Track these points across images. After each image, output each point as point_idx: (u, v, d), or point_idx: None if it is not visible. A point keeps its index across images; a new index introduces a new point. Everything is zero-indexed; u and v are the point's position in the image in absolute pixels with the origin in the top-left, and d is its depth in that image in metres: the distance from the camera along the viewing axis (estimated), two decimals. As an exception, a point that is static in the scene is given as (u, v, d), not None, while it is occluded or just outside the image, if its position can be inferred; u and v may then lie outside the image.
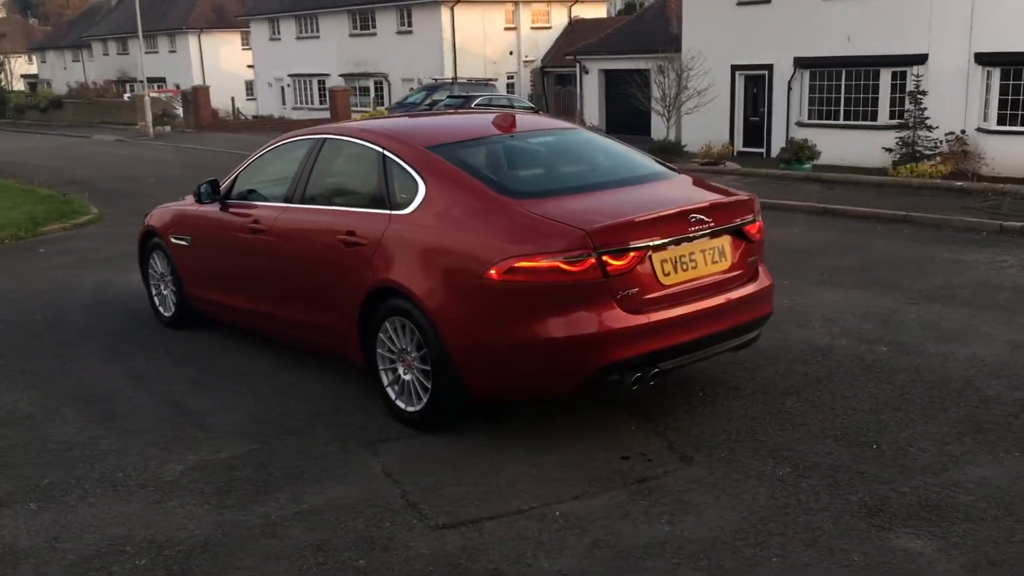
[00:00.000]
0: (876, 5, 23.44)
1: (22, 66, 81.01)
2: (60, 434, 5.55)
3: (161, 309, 7.82)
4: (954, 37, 21.93)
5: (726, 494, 4.53)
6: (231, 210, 6.75)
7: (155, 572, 4.00)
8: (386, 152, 5.62)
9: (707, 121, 27.40)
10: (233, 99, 51.39)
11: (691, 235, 5.01)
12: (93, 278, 9.82)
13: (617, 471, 4.81)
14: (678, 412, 5.52)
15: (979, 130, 21.22)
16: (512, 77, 41.39)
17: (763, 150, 26.49)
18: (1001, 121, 21.11)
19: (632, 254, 4.79)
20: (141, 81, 56.08)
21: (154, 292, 7.89)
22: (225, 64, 54.72)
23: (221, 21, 54.93)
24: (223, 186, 6.95)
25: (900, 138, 21.28)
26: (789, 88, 26.65)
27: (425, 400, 5.26)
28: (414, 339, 5.24)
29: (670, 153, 19.99)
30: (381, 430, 5.43)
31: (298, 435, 5.42)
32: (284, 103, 47.65)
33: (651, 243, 4.85)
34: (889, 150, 21.22)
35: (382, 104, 40.60)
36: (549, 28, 42.50)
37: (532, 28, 41.92)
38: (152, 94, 44.54)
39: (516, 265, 4.75)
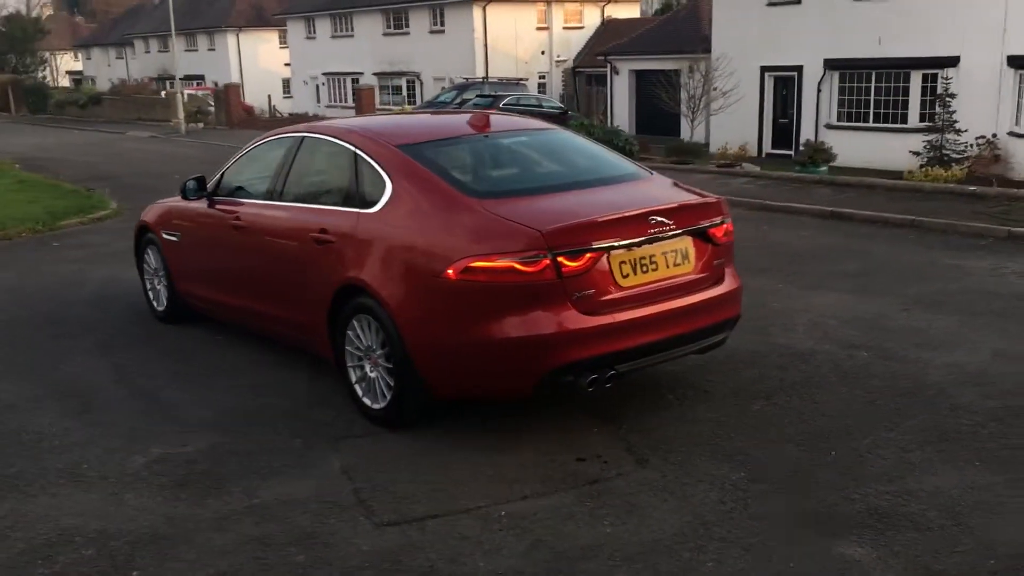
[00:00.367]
0: (907, 7, 23.13)
1: (68, 63, 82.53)
2: (36, 424, 5.67)
3: (155, 304, 7.94)
4: (986, 39, 21.59)
5: (674, 497, 4.52)
6: (217, 207, 6.83)
7: (99, 563, 4.07)
8: (357, 150, 5.67)
9: (735, 122, 27.24)
10: (270, 97, 51.91)
11: (651, 237, 4.99)
12: (100, 273, 9.98)
13: (571, 472, 4.82)
14: (644, 415, 5.51)
15: (1011, 134, 20.86)
16: (543, 77, 41.36)
17: (792, 152, 26.21)
18: (1034, 125, 20.76)
19: (588, 255, 4.78)
20: (180, 79, 57.08)
21: (148, 287, 8.02)
22: (263, 62, 55.27)
23: (260, 20, 55.50)
24: (212, 182, 7.04)
25: (928, 141, 21.00)
26: (818, 90, 26.40)
27: (389, 398, 5.30)
28: (379, 337, 5.27)
29: (690, 155, 19.88)
30: (348, 427, 5.48)
31: (265, 430, 5.48)
32: (319, 101, 48.05)
33: (608, 244, 4.85)
34: (917, 153, 20.94)
35: (413, 102, 40.82)
36: (581, 28, 42.42)
37: (564, 28, 41.86)
38: (188, 91, 45.18)
39: (472, 265, 4.77)
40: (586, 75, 40.43)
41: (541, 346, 4.74)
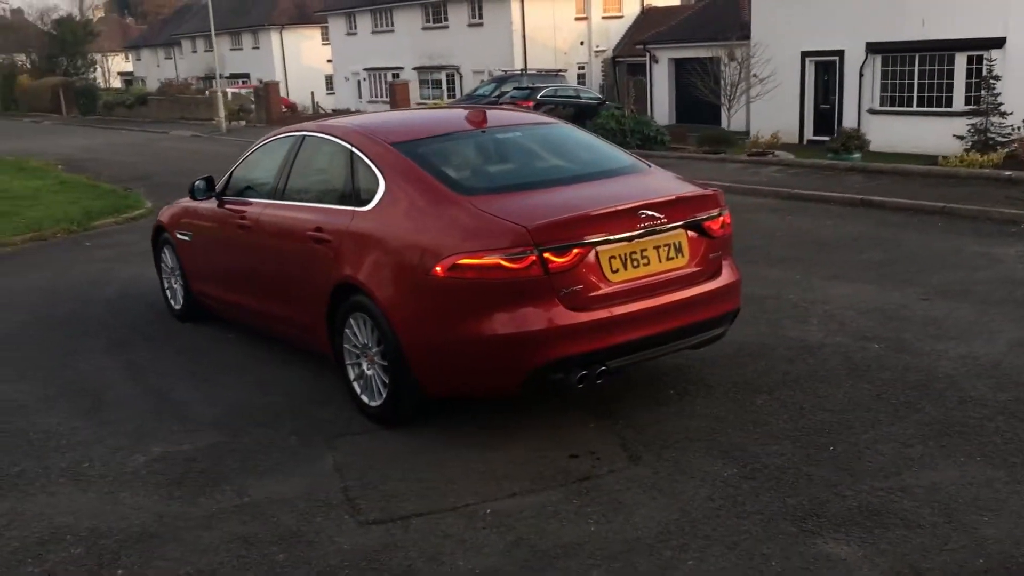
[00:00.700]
0: (952, -13, 22.60)
1: (119, 64, 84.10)
2: (45, 423, 5.77)
3: (172, 302, 8.05)
4: (1032, 19, 21.02)
5: (663, 494, 4.47)
6: (226, 206, 6.89)
7: (86, 561, 4.14)
8: (353, 148, 5.68)
9: (775, 110, 26.85)
10: (312, 93, 52.37)
11: (641, 231, 4.92)
12: (126, 272, 10.14)
13: (562, 469, 4.78)
14: (642, 410, 5.45)
15: (1059, 116, 20.29)
16: (583, 68, 41.13)
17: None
18: (1082, 107, 20.14)
19: (575, 251, 4.74)
20: (226, 77, 57.79)
21: (166, 286, 8.13)
22: (306, 59, 55.81)
23: (302, 17, 56.02)
24: (221, 182, 7.11)
25: (972, 125, 20.49)
26: (861, 74, 25.93)
27: (385, 395, 5.31)
28: (375, 335, 5.28)
29: (723, 143, 19.61)
30: (346, 425, 5.50)
31: (266, 428, 5.52)
32: (360, 96, 48.38)
33: (596, 239, 4.80)
34: (961, 137, 20.45)
35: (453, 96, 40.88)
36: (621, 17, 42.12)
37: (603, 17, 41.57)
38: (231, 90, 45.74)
39: (459, 262, 4.75)
40: (626, 64, 40.13)
41: (527, 343, 4.71)
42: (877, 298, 7.58)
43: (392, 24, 46.30)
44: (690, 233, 5.18)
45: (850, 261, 8.98)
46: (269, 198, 6.40)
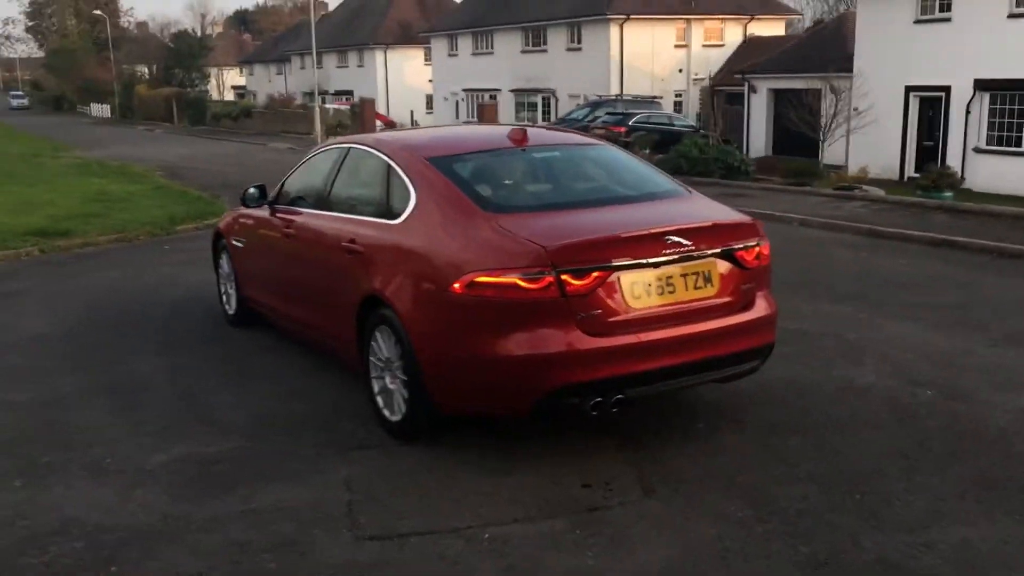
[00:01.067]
0: (1066, 23, 21.66)
1: (233, 78, 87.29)
2: (80, 419, 5.90)
3: (227, 308, 8.18)
4: None
5: (671, 531, 4.29)
6: (277, 215, 6.97)
7: (85, 555, 4.18)
8: (391, 162, 5.68)
9: (875, 144, 26.15)
10: (412, 112, 53.34)
11: (667, 257, 4.77)
12: (195, 276, 10.36)
13: (572, 498, 4.64)
14: (667, 443, 5.27)
15: None
16: (680, 95, 40.81)
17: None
18: None
19: (595, 274, 4.61)
20: (331, 93, 59.28)
21: (222, 291, 8.27)
22: (408, 79, 56.85)
23: (406, 37, 57.12)
24: (274, 191, 7.20)
25: (1081, 168, 19.56)
26: (967, 111, 25.05)
27: (404, 410, 5.26)
28: (397, 349, 5.24)
29: (807, 176, 19.09)
30: (366, 438, 5.46)
31: (288, 436, 5.53)
32: (457, 116, 48.94)
33: (617, 263, 4.66)
34: (1069, 181, 19.54)
35: (548, 119, 40.97)
36: (722, 46, 41.63)
37: (704, 46, 41.19)
38: (331, 106, 46.87)
39: (477, 279, 4.68)
40: (725, 94, 39.57)
41: (540, 365, 4.60)
42: (941, 342, 7.21)
43: (492, 47, 46.79)
44: (721, 262, 4.99)
45: (920, 302, 8.58)
46: (315, 208, 6.45)
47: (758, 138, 34.75)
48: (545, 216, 5.02)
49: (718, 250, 4.97)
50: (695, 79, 40.65)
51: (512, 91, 44.98)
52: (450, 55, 50.33)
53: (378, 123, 40.65)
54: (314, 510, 4.56)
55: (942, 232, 11.84)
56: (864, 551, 4.08)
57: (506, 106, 45.36)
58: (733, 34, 42.18)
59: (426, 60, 55.26)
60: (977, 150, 24.71)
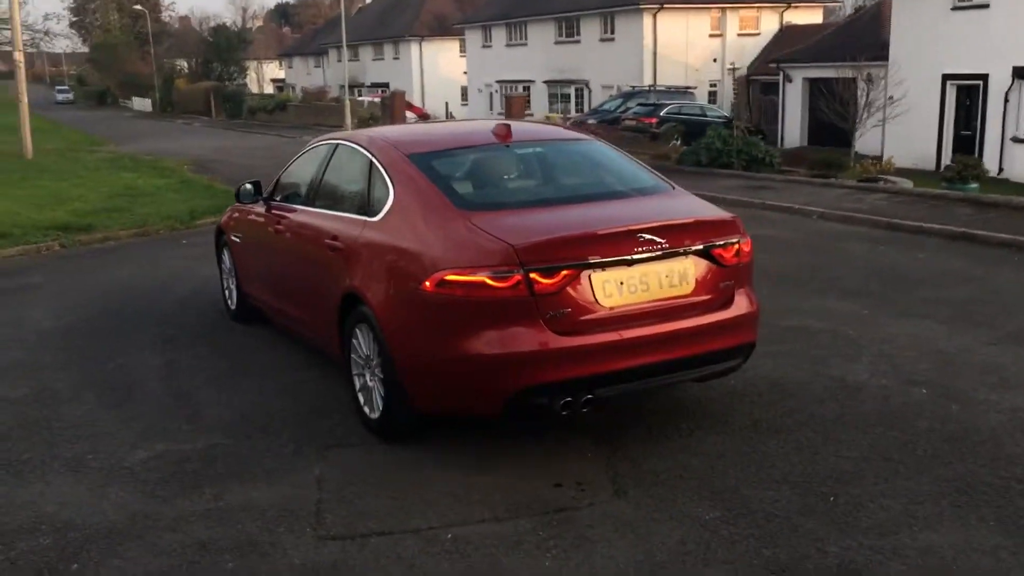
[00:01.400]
0: (1107, 8, 21.07)
1: (273, 71, 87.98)
2: (69, 414, 5.96)
3: (229, 303, 8.23)
4: None
5: (634, 534, 4.23)
6: (271, 211, 6.99)
7: (49, 553, 4.22)
8: (372, 158, 5.66)
9: (911, 134, 25.72)
10: (447, 104, 53.32)
11: (639, 256, 4.69)
12: (206, 271, 10.40)
13: (540, 498, 4.61)
14: (646, 443, 5.20)
15: None
16: (715, 85, 40.38)
17: (973, 166, 24.30)
18: None
19: (564, 272, 4.56)
20: (367, 86, 59.52)
21: (225, 286, 8.32)
22: (443, 70, 56.88)
23: (441, 29, 57.15)
24: (269, 187, 7.22)
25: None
26: (1006, 100, 24.50)
27: (381, 408, 5.25)
28: (375, 347, 5.23)
29: (832, 168, 18.76)
30: (345, 436, 5.46)
31: (268, 433, 5.54)
32: (491, 108, 48.89)
33: (587, 261, 4.60)
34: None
35: (581, 110, 40.78)
36: (758, 35, 41.11)
37: (739, 35, 40.70)
38: (364, 98, 47.09)
39: (447, 278, 4.65)
40: (760, 83, 39.12)
41: (509, 365, 4.56)
42: (943, 339, 7.04)
43: (525, 38, 46.66)
44: (698, 260, 4.91)
45: (928, 298, 8.39)
46: (304, 204, 6.46)
47: (793, 128, 34.29)
48: (520, 213, 4.97)
49: (695, 247, 4.89)
50: (730, 68, 40.18)
51: (545, 82, 44.84)
52: (484, 46, 50.29)
53: (411, 115, 40.80)
54: (281, 509, 4.56)
55: (962, 225, 11.57)
56: (827, 556, 4.00)
57: (539, 97, 45.24)
58: (769, 22, 41.61)
59: (461, 52, 55.25)
60: (1016, 139, 24.16)
